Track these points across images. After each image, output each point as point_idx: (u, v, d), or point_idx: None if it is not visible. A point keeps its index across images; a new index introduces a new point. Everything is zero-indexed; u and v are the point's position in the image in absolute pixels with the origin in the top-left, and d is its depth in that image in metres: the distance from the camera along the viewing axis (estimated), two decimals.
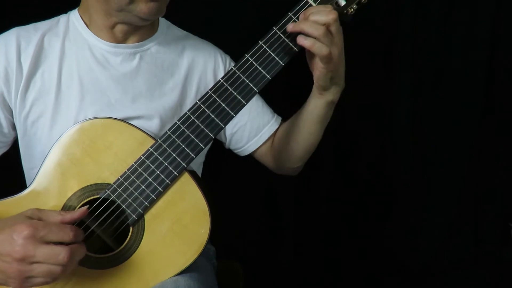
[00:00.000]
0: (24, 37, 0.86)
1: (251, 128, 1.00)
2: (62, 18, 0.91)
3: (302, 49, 0.77)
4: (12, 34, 0.87)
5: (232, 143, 1.03)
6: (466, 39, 1.71)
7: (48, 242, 0.65)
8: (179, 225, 0.78)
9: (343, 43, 0.77)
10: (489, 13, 1.69)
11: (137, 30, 0.88)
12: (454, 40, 1.71)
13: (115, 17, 0.84)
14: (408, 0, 1.65)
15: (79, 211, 0.72)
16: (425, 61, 1.72)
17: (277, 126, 1.02)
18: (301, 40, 0.73)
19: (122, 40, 0.88)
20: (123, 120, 0.80)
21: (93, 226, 0.79)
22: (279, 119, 1.04)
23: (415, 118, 1.76)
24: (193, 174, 0.81)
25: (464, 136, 1.78)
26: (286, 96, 1.70)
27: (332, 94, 0.83)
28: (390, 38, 1.68)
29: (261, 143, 1.02)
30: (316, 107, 0.86)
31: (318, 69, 0.77)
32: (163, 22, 0.97)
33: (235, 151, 1.06)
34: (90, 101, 0.86)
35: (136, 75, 0.89)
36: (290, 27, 0.74)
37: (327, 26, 0.73)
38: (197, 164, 1.01)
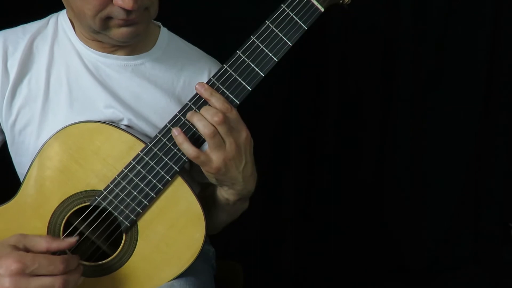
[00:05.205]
0: (11, 41, 0.83)
1: None
2: (52, 19, 0.87)
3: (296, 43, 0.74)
4: None
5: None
6: (466, 39, 1.71)
7: (38, 275, 0.63)
8: (173, 230, 0.77)
9: (237, 151, 0.73)
10: (489, 12, 1.69)
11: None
12: (454, 40, 1.71)
13: (94, 36, 0.80)
14: (408, 0, 1.65)
15: (68, 242, 0.69)
16: (425, 61, 1.72)
17: None
18: (173, 132, 0.73)
19: (111, 51, 0.84)
20: (110, 124, 0.77)
21: (87, 233, 0.77)
22: None
23: (415, 118, 1.75)
24: (186, 177, 0.79)
25: (464, 136, 1.78)
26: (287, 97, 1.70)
27: (227, 194, 0.79)
28: (390, 38, 1.68)
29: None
30: (220, 193, 0.82)
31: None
32: (164, 35, 0.90)
33: None
34: (78, 109, 0.82)
35: (126, 88, 0.84)
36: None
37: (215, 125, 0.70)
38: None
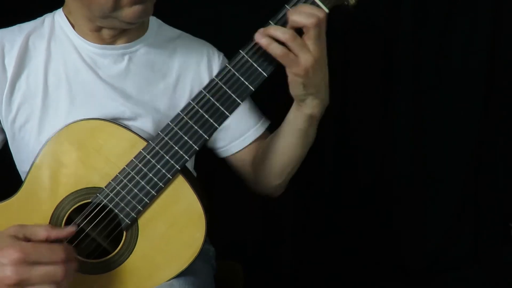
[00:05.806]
0: (8, 39, 0.84)
1: (235, 129, 0.95)
2: (47, 18, 0.89)
3: None
4: None
5: (213, 142, 0.97)
6: (466, 39, 1.71)
7: (39, 263, 0.64)
8: (174, 229, 0.77)
9: (324, 53, 0.72)
10: (489, 12, 1.69)
11: (125, 31, 0.86)
12: (454, 40, 1.71)
13: (99, 23, 0.82)
14: (408, 0, 1.65)
15: (67, 231, 0.70)
16: (425, 61, 1.72)
17: (263, 130, 0.97)
18: (258, 37, 0.70)
19: (109, 42, 0.86)
20: (113, 121, 0.78)
21: (88, 229, 0.77)
22: (267, 123, 0.99)
23: (416, 119, 1.75)
24: (187, 175, 0.79)
25: (465, 136, 1.78)
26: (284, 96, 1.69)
27: (310, 108, 0.77)
28: (390, 38, 1.68)
29: (245, 145, 0.96)
30: (296, 119, 0.81)
31: (287, 73, 0.73)
32: (153, 22, 0.94)
33: (216, 151, 0.99)
34: (80, 104, 0.83)
35: (125, 77, 0.87)
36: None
37: (305, 29, 0.69)
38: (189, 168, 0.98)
